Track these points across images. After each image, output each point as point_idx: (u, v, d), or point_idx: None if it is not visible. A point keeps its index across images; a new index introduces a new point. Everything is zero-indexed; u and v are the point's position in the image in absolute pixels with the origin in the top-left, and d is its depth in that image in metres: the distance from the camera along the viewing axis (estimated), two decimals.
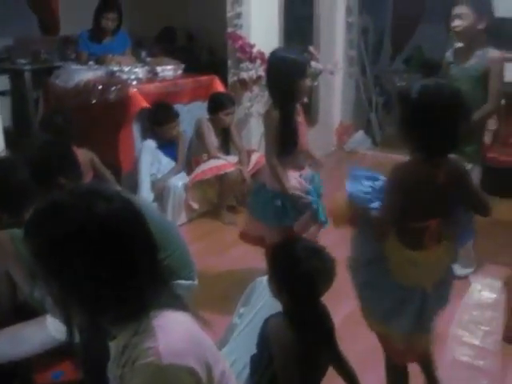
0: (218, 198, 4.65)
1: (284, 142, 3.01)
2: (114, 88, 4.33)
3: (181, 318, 1.34)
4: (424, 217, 2.07)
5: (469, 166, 3.11)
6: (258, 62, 4.81)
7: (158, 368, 1.21)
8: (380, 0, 8.23)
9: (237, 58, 4.96)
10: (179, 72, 4.90)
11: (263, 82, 4.68)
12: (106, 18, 5.00)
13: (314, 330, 1.97)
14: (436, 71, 5.68)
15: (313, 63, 4.99)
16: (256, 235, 3.28)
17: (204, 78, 4.94)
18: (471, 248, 3.77)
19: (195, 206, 4.57)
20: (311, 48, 5.25)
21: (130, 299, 1.25)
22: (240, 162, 4.60)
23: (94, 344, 1.49)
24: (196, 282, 2.66)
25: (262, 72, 4.74)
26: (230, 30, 5.00)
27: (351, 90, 6.77)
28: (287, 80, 2.97)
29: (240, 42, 4.89)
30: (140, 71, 4.66)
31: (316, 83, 5.32)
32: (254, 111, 5.02)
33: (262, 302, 2.39)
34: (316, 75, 5.18)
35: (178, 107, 4.57)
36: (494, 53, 3.50)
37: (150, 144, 4.42)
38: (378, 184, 2.16)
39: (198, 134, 4.59)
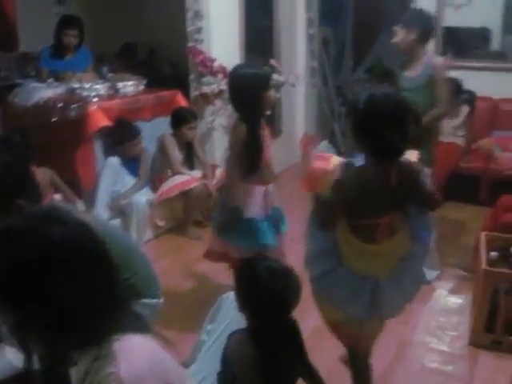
0: (184, 214, 4.63)
1: (251, 156, 3.01)
2: (74, 105, 4.27)
3: (143, 341, 1.32)
4: (376, 214, 2.19)
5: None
6: (220, 75, 4.82)
7: None
8: (340, 11, 8.34)
9: (198, 72, 4.96)
10: (141, 87, 4.87)
11: (225, 95, 4.69)
12: (68, 35, 4.93)
13: (277, 345, 1.96)
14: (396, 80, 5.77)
15: (274, 76, 5.00)
16: (221, 252, 3.25)
17: (166, 93, 4.92)
18: (435, 251, 3.84)
19: (161, 223, 4.54)
20: (272, 61, 5.28)
21: (89, 324, 1.23)
22: (205, 176, 4.59)
23: (55, 371, 1.45)
24: (161, 300, 2.62)
25: (223, 86, 4.75)
26: (190, 44, 4.99)
27: (314, 100, 6.82)
28: (251, 94, 2.98)
29: (201, 57, 4.89)
30: (101, 88, 4.61)
31: (278, 95, 5.34)
32: (216, 125, 5.02)
33: (230, 318, 2.38)
34: (278, 87, 5.20)
35: (140, 123, 4.54)
36: (436, 60, 3.78)
37: (114, 161, 4.37)
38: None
39: (161, 149, 4.56)
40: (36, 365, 1.42)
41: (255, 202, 3.08)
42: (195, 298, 3.60)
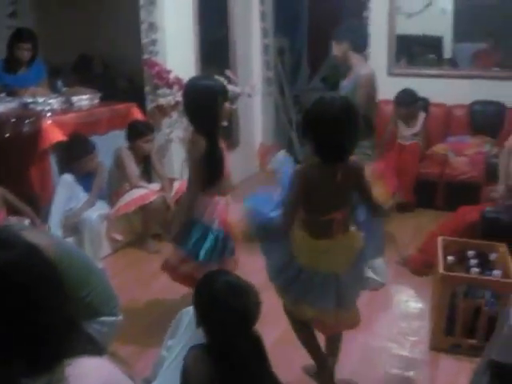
0: (142, 227, 4.58)
1: (212, 169, 3.01)
2: (27, 120, 4.18)
3: (97, 364, 1.29)
4: (329, 210, 2.38)
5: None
6: (176, 87, 4.79)
7: None
8: (296, 21, 8.40)
9: (154, 84, 4.92)
10: (96, 101, 4.81)
11: (181, 107, 4.66)
12: (21, 48, 4.83)
13: (237, 360, 1.94)
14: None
15: (230, 86, 5.01)
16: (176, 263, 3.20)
17: (121, 106, 4.86)
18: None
19: (119, 237, 4.48)
20: (228, 71, 5.28)
21: (40, 350, 1.19)
22: (163, 188, 4.55)
23: None
24: (120, 317, 2.58)
25: (179, 97, 4.72)
26: (145, 56, 4.96)
27: (271, 110, 6.85)
28: (208, 106, 2.98)
29: (156, 69, 4.86)
30: (55, 102, 4.54)
31: (235, 106, 5.35)
32: (173, 137, 4.99)
33: (190, 333, 2.35)
34: (234, 98, 5.21)
35: (95, 137, 4.46)
36: (361, 69, 4.03)
37: (67, 178, 4.27)
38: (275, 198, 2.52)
39: (118, 163, 4.51)
40: None
41: (214, 213, 3.07)
42: (155, 313, 3.55)
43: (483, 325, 3.03)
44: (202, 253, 3.02)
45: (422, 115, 5.61)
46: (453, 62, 6.15)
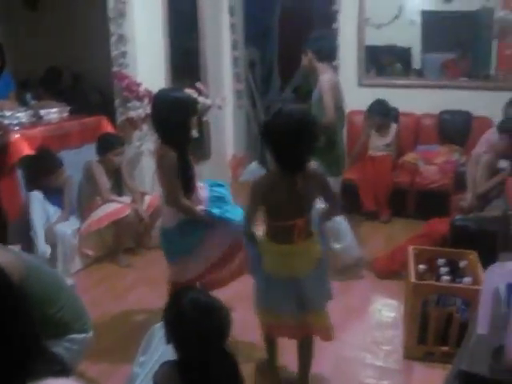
0: (115, 242, 4.53)
1: (184, 182, 3.00)
2: None
3: None
4: (290, 217, 2.49)
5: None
6: (146, 100, 4.76)
7: None
8: (266, 32, 8.45)
9: (124, 97, 4.88)
10: (65, 114, 4.76)
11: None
12: None
13: (207, 377, 1.92)
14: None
15: (201, 99, 5.01)
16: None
17: (91, 120, 4.81)
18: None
19: (90, 252, 4.42)
20: (198, 84, 5.28)
21: (2, 372, 1.16)
22: (134, 201, 4.51)
23: None
24: (91, 334, 2.55)
25: (150, 110, 4.70)
26: (115, 69, 4.92)
27: (242, 122, 6.85)
28: (177, 119, 2.97)
29: (126, 81, 4.82)
30: (23, 115, 4.48)
31: (206, 118, 5.34)
32: (144, 149, 4.95)
33: (162, 349, 2.32)
34: (205, 110, 5.20)
35: (65, 151, 4.42)
36: (324, 76, 4.09)
37: (37, 195, 4.20)
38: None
39: (89, 177, 4.46)
40: None
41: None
42: (127, 328, 3.50)
43: (455, 332, 3.05)
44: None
45: (393, 126, 5.67)
46: (422, 72, 6.23)
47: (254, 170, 6.56)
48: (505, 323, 1.33)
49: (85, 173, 4.49)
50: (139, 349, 2.47)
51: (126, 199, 4.55)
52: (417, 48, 6.16)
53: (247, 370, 2.46)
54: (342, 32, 6.00)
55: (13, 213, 4.18)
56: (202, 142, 5.68)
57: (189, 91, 4.80)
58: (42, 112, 4.60)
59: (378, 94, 5.73)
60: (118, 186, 4.68)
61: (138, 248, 4.64)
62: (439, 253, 3.49)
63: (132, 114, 4.82)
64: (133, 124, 4.89)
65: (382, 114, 5.58)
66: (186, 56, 5.73)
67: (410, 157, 5.58)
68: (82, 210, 4.48)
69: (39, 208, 4.19)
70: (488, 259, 2.29)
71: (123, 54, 4.90)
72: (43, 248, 4.09)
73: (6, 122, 4.31)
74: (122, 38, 4.86)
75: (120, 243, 4.55)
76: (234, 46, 6.29)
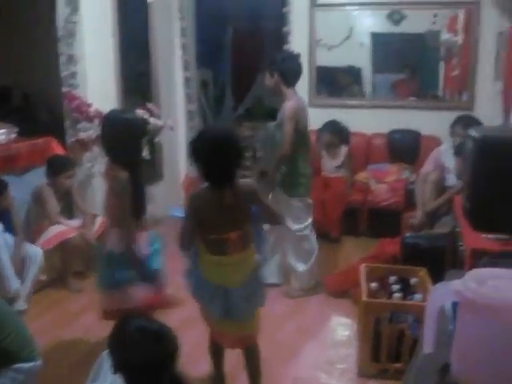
0: (63, 265, 4.43)
1: (135, 204, 2.98)
2: None
3: None
4: (222, 230, 2.58)
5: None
6: (97, 121, 4.70)
7: None
8: (218, 53, 8.49)
9: (74, 118, 4.80)
10: (12, 136, 4.64)
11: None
12: None
13: None
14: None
15: (152, 120, 4.98)
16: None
17: (40, 141, 4.70)
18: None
19: (42, 276, 4.28)
20: (150, 105, 5.25)
21: None
22: (84, 225, 4.43)
23: None
24: (39, 362, 2.47)
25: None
26: (65, 89, 4.84)
27: None
28: (128, 141, 2.96)
29: (76, 102, 4.75)
30: None
31: (157, 139, 5.30)
32: (95, 171, 4.88)
33: (112, 377, 2.27)
34: (157, 131, 5.17)
35: (12, 173, 4.29)
36: (287, 103, 4.01)
37: None
38: None
39: (38, 200, 4.34)
40: None
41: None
42: (77, 355, 3.41)
43: (407, 348, 3.08)
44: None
45: (344, 148, 5.71)
46: (372, 93, 6.35)
47: None
48: (451, 341, 1.35)
49: (34, 196, 4.37)
50: (89, 376, 2.41)
51: (75, 222, 4.47)
52: (367, 69, 6.29)
53: None
54: None
55: None
56: (154, 163, 5.64)
57: (140, 112, 4.79)
58: None
59: (329, 114, 5.81)
60: (69, 209, 4.59)
61: (89, 271, 4.54)
62: (390, 270, 3.53)
63: (82, 135, 4.74)
64: (83, 145, 4.81)
65: (332, 132, 5.63)
66: (137, 76, 5.70)
67: (361, 176, 5.66)
68: (30, 233, 4.35)
69: (1, 242, 3.74)
70: (437, 275, 2.33)
71: (73, 75, 4.83)
72: (15, 285, 3.70)
73: None
74: (71, 58, 4.78)
75: (68, 267, 4.44)
76: (186, 67, 6.28)
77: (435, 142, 5.47)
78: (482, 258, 2.05)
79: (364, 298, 3.17)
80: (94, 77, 4.93)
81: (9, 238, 3.88)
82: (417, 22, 5.97)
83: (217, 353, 2.99)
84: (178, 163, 6.46)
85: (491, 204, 2.60)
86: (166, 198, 5.71)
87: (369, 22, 6.16)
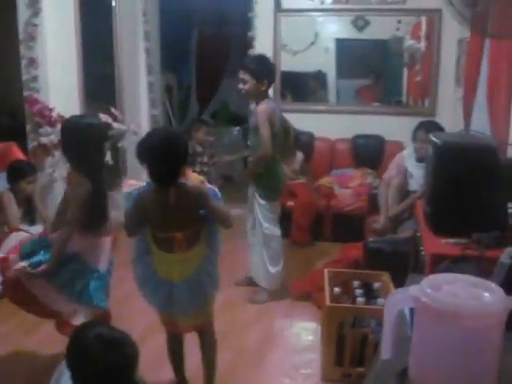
0: None
1: (98, 210, 2.98)
2: None
3: None
4: (167, 229, 2.64)
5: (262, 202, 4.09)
6: (59, 125, 4.63)
7: None
8: (183, 57, 8.47)
9: (36, 122, 4.73)
10: None
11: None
12: None
13: None
14: (243, 123, 5.93)
15: (115, 124, 4.93)
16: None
17: (0, 146, 4.62)
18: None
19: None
20: (113, 109, 5.20)
21: None
22: (45, 231, 4.34)
23: None
24: None
25: None
26: (26, 93, 4.76)
27: None
28: (90, 146, 2.93)
29: (38, 106, 4.68)
30: None
31: (120, 144, 5.25)
32: (57, 176, 4.81)
33: None
34: (120, 136, 5.12)
35: None
36: (259, 107, 3.99)
37: None
38: None
39: None
40: None
41: (100, 253, 3.05)
42: (37, 365, 3.33)
43: (370, 352, 3.09)
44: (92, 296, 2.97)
45: (299, 154, 5.70)
46: (336, 98, 6.40)
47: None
48: (409, 346, 1.36)
49: None
50: None
51: (36, 229, 4.38)
52: (332, 74, 6.34)
53: None
54: None
55: None
56: (117, 167, 5.58)
57: (103, 117, 4.73)
58: None
59: (293, 119, 5.82)
60: (31, 215, 4.51)
61: None
62: (354, 275, 3.55)
63: (44, 139, 4.67)
64: (45, 150, 4.73)
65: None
66: (101, 81, 5.65)
67: (325, 181, 5.69)
68: None
69: None
70: (400, 280, 2.35)
71: (35, 78, 4.75)
72: None
73: None
74: (33, 62, 4.71)
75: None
76: (150, 71, 6.26)
77: (399, 147, 5.53)
78: (441, 262, 2.07)
79: (327, 302, 3.18)
80: (57, 80, 4.87)
81: None
82: (381, 28, 6.05)
83: (176, 358, 3.03)
84: (142, 168, 6.39)
85: (451, 208, 2.66)
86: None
87: (333, 28, 6.23)
